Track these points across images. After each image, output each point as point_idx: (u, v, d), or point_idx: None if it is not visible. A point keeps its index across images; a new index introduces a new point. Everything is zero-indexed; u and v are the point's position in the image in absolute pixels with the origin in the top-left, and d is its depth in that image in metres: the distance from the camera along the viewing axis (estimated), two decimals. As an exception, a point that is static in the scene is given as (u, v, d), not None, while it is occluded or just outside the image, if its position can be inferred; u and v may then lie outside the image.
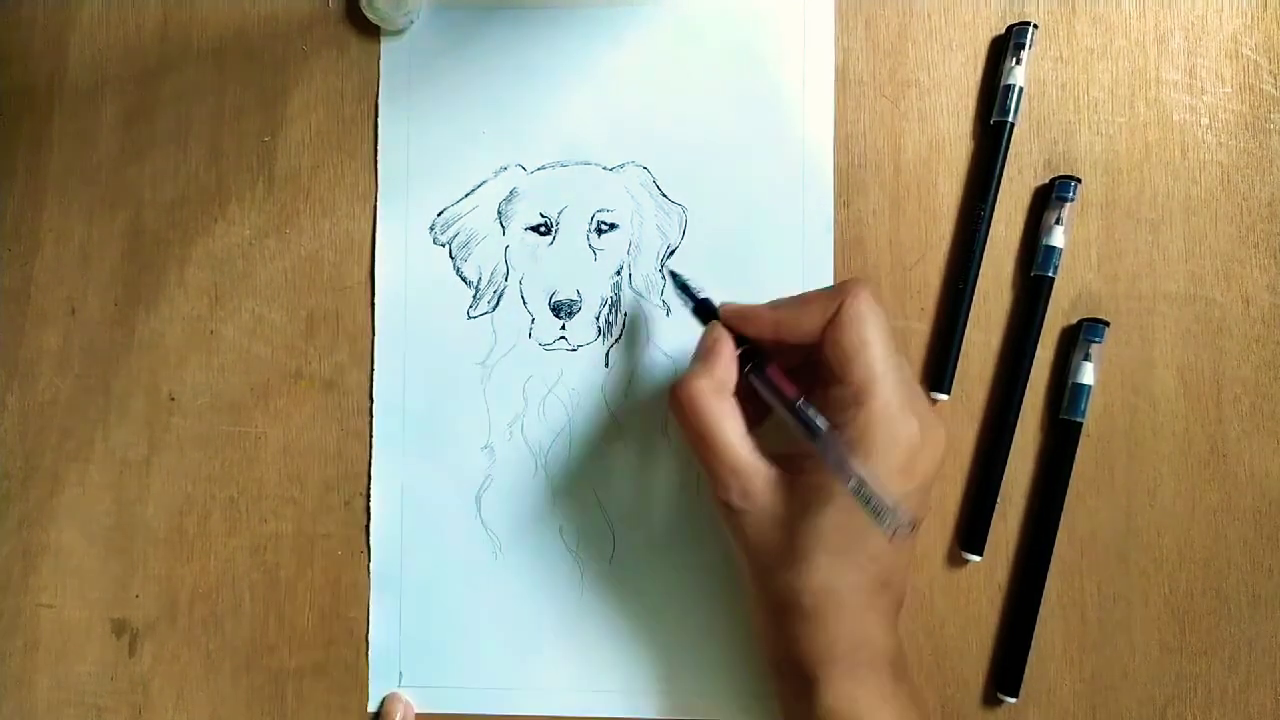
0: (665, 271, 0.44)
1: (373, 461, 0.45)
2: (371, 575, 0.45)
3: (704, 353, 0.39)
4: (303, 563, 0.45)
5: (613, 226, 0.45)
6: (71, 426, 0.46)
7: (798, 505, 0.37)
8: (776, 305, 0.39)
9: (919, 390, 0.38)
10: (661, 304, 0.45)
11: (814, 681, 0.36)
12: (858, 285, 0.37)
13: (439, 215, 0.45)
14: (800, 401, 0.36)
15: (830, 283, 0.44)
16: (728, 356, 0.38)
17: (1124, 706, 0.43)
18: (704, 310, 0.41)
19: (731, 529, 0.38)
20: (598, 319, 0.45)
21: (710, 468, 0.38)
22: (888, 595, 0.37)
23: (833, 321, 0.37)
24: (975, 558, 0.43)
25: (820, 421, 0.36)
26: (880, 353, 0.36)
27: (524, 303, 0.45)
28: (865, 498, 0.33)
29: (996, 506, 0.43)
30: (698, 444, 0.38)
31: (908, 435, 0.36)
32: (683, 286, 0.41)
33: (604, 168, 0.45)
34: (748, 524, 0.37)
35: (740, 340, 0.39)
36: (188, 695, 0.45)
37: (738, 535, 0.38)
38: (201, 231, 0.46)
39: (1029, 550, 0.43)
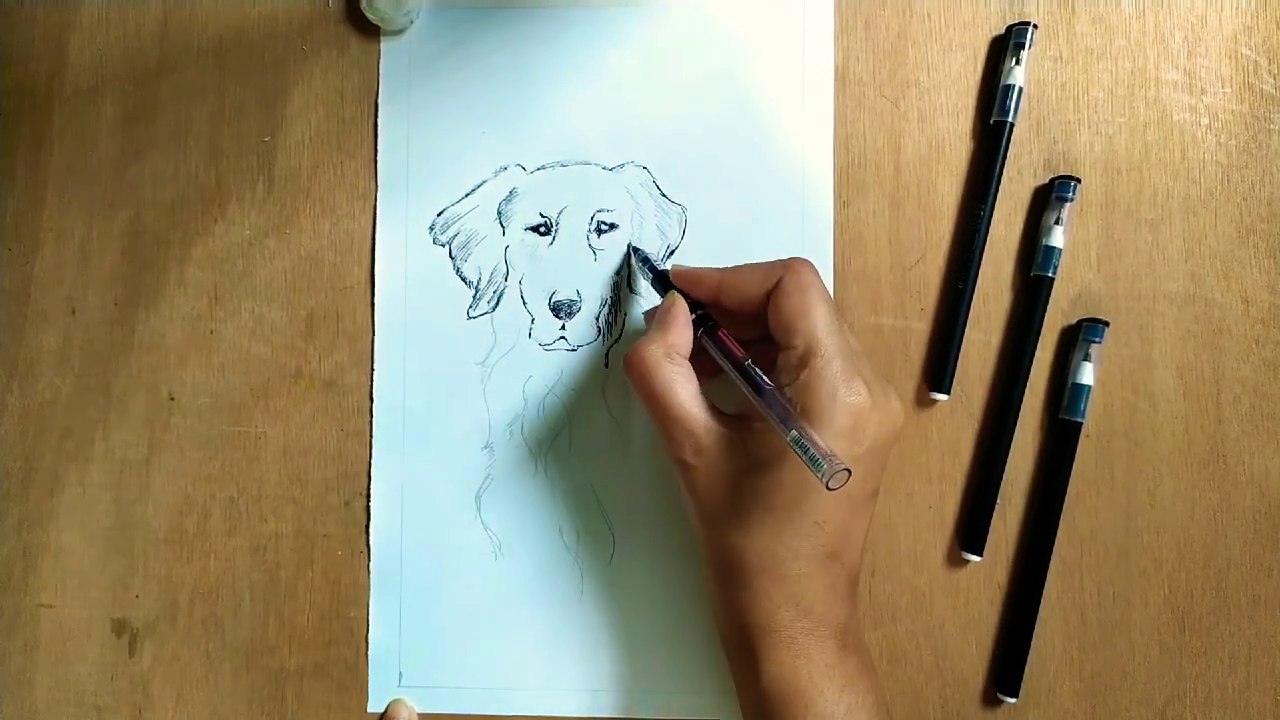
0: (629, 247, 0.45)
1: (373, 461, 0.45)
2: (371, 575, 0.45)
3: (659, 318, 0.40)
4: (303, 563, 0.45)
5: (613, 226, 0.45)
6: (71, 426, 0.46)
7: (746, 462, 0.37)
8: (724, 269, 0.40)
9: (868, 365, 0.38)
10: (661, 304, 0.45)
11: (756, 651, 0.37)
12: (799, 260, 0.39)
13: (439, 215, 0.45)
14: (748, 362, 0.37)
15: (831, 283, 0.44)
16: (682, 321, 0.40)
17: (1124, 706, 0.43)
18: (664, 281, 0.42)
19: (686, 487, 0.39)
20: (598, 319, 0.45)
21: (664, 426, 0.39)
22: (836, 566, 0.37)
23: (776, 288, 0.38)
24: (975, 558, 0.43)
25: (764, 379, 0.37)
26: (823, 320, 0.37)
27: (524, 303, 0.45)
28: (803, 447, 0.34)
29: (996, 506, 0.43)
30: (652, 405, 0.39)
31: (853, 399, 0.36)
32: (644, 260, 0.43)
33: (604, 168, 0.45)
34: (699, 480, 0.38)
35: (696, 307, 0.40)
36: (188, 695, 0.45)
37: (690, 492, 0.39)
38: (201, 231, 0.46)
39: (1029, 550, 0.43)
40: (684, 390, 0.38)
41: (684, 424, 0.38)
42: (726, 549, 0.38)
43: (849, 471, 0.33)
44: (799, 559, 0.37)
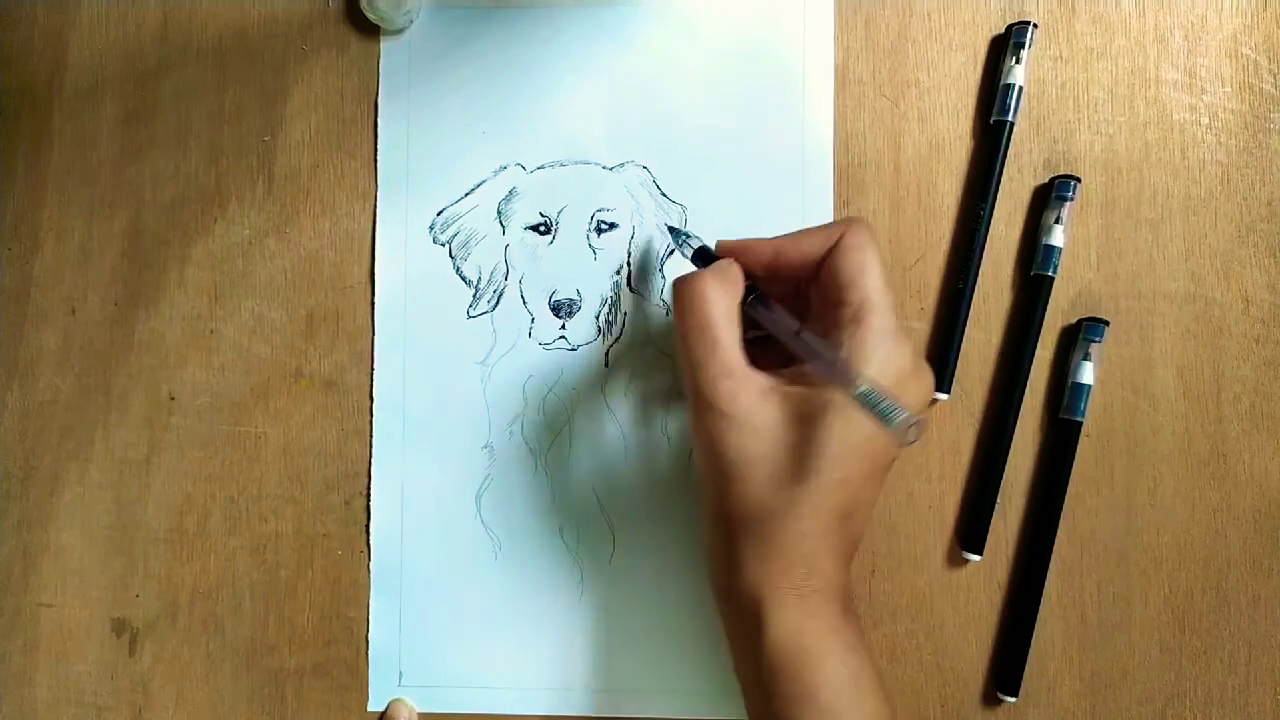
0: (662, 226, 0.44)
1: (373, 461, 0.45)
2: (371, 575, 0.45)
3: (715, 268, 0.39)
4: (303, 562, 0.45)
5: (612, 226, 0.45)
6: (71, 426, 0.46)
7: (783, 417, 0.37)
8: (774, 237, 0.39)
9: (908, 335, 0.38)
10: (662, 303, 0.45)
11: (762, 608, 0.36)
12: (859, 220, 0.38)
13: (439, 214, 0.45)
14: (802, 328, 0.37)
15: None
16: (737, 276, 0.39)
17: (1124, 706, 0.43)
18: (704, 256, 0.41)
19: (711, 434, 0.37)
20: (598, 319, 0.45)
21: (705, 365, 0.37)
22: (846, 530, 0.37)
23: (835, 247, 0.38)
24: (975, 557, 0.43)
25: (821, 345, 0.36)
26: (881, 279, 0.37)
27: (524, 302, 0.45)
28: (874, 401, 0.33)
29: (996, 506, 0.43)
30: (698, 338, 0.37)
31: (901, 359, 0.36)
32: (683, 237, 0.42)
33: (604, 167, 0.45)
34: (729, 428, 0.37)
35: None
36: (188, 695, 0.45)
37: (717, 442, 0.37)
38: (201, 231, 0.46)
39: (1029, 550, 0.43)
40: (732, 332, 0.37)
41: (726, 365, 0.37)
42: (746, 501, 0.37)
43: (923, 424, 0.32)
44: (819, 515, 0.36)
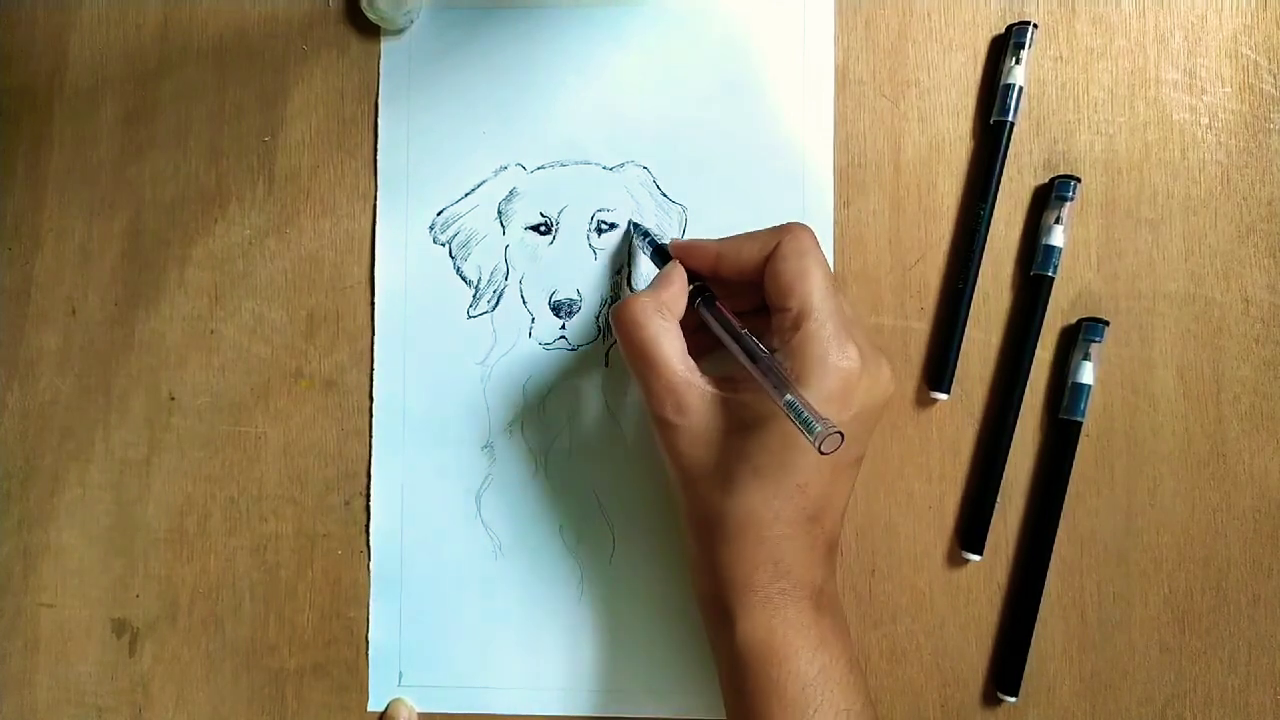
0: (629, 223, 0.45)
1: (373, 461, 0.45)
2: (371, 575, 0.45)
3: (656, 280, 0.40)
4: (303, 563, 0.45)
5: (612, 226, 0.45)
6: (71, 426, 0.46)
7: (730, 423, 0.37)
8: (717, 241, 0.40)
9: (864, 333, 0.38)
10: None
11: (732, 609, 0.37)
12: (796, 226, 0.39)
13: (439, 215, 0.45)
14: (744, 331, 0.38)
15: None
16: (678, 285, 0.40)
17: (1123, 706, 0.43)
18: (663, 255, 0.42)
19: (666, 446, 0.39)
20: (598, 319, 0.45)
21: (647, 382, 0.38)
22: (817, 530, 0.38)
23: (774, 253, 0.38)
24: (975, 557, 0.43)
25: (761, 348, 0.37)
26: (819, 284, 0.37)
27: (524, 302, 0.45)
28: (796, 410, 0.33)
29: (996, 506, 0.43)
30: (637, 359, 0.38)
31: (844, 363, 0.36)
32: (644, 234, 0.43)
33: (604, 167, 0.45)
34: (680, 439, 0.38)
35: (694, 279, 0.40)
36: (188, 695, 0.45)
37: (671, 452, 0.39)
38: (201, 231, 0.46)
39: (1029, 550, 0.43)
40: (670, 346, 0.38)
41: (668, 380, 0.38)
42: (708, 509, 0.38)
43: (842, 435, 0.32)
44: (780, 521, 0.37)
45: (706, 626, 0.40)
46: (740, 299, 0.41)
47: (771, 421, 0.36)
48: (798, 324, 0.37)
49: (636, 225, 0.44)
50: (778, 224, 0.40)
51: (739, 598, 0.37)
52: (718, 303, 0.39)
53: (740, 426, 0.37)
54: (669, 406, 0.38)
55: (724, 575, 0.38)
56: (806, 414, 0.33)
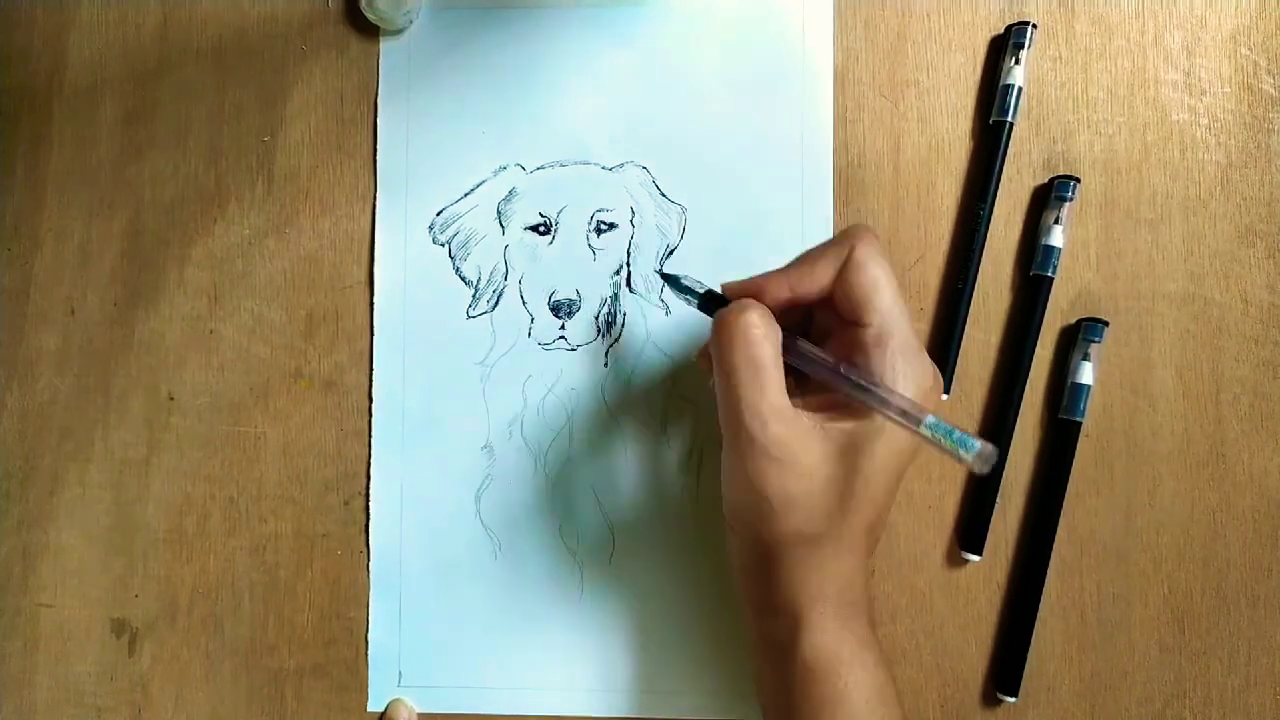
0: (659, 274, 0.44)
1: (372, 461, 0.45)
2: (371, 575, 0.45)
3: (753, 305, 0.37)
4: (303, 563, 0.45)
5: (612, 226, 0.45)
6: (71, 426, 0.46)
7: (829, 455, 0.36)
8: (784, 270, 0.38)
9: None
10: (661, 304, 0.45)
11: (800, 620, 0.37)
12: (862, 230, 0.37)
13: (438, 215, 0.45)
14: (843, 366, 0.36)
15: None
16: (771, 315, 0.37)
17: (1123, 706, 0.43)
18: (712, 301, 0.39)
19: (752, 473, 0.36)
20: (597, 319, 0.45)
21: (755, 408, 0.36)
22: (871, 540, 0.38)
23: (845, 267, 0.37)
24: (975, 558, 0.43)
25: (868, 381, 0.36)
26: (893, 292, 0.37)
27: (523, 302, 0.45)
28: (944, 434, 0.33)
29: (996, 506, 0.43)
30: (750, 378, 0.36)
31: (924, 374, 0.36)
32: (682, 286, 0.40)
33: (603, 167, 0.45)
34: (773, 470, 0.36)
35: None
36: (188, 695, 0.45)
37: (759, 479, 0.36)
38: (201, 231, 0.46)
39: (1029, 550, 0.43)
40: (779, 373, 0.36)
41: (776, 408, 0.36)
42: (787, 533, 0.37)
43: (995, 449, 0.32)
44: (855, 533, 0.37)
45: (758, 634, 0.39)
46: (783, 318, 0.38)
47: (867, 448, 0.36)
48: (881, 340, 0.36)
49: (669, 276, 0.41)
50: (838, 234, 0.38)
51: (810, 606, 0.37)
52: (800, 341, 0.37)
53: (835, 456, 0.36)
54: (772, 437, 0.36)
55: (795, 586, 0.37)
56: (956, 435, 0.32)
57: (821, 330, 0.40)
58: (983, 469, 0.33)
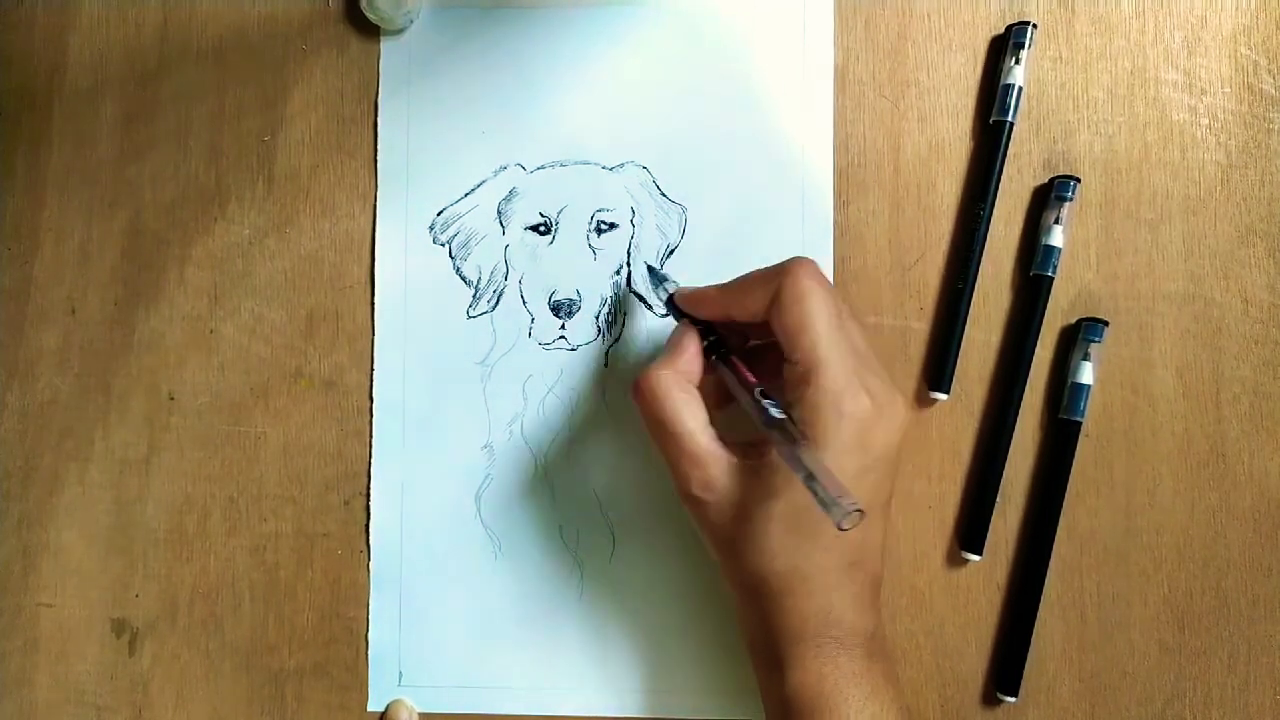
0: (646, 265, 0.45)
1: (372, 461, 0.45)
2: (371, 575, 0.45)
3: (669, 345, 0.40)
4: (303, 563, 0.45)
5: (612, 226, 0.45)
6: (71, 426, 0.46)
7: (759, 491, 0.37)
8: (725, 287, 0.39)
9: (873, 363, 0.38)
10: (661, 304, 0.45)
11: (783, 658, 0.37)
12: (796, 264, 0.37)
13: (439, 215, 0.45)
14: (758, 389, 0.37)
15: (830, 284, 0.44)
16: (692, 349, 0.39)
17: (1123, 706, 0.43)
18: (672, 307, 0.42)
19: (696, 519, 0.39)
20: (597, 319, 0.45)
21: (671, 458, 0.38)
22: (860, 574, 0.37)
23: (774, 302, 0.37)
24: (975, 557, 0.43)
25: (775, 410, 0.36)
26: (823, 329, 0.36)
27: (524, 302, 0.45)
28: (815, 489, 0.33)
29: (996, 506, 0.43)
30: (659, 433, 0.38)
31: (859, 410, 0.36)
32: (660, 280, 0.43)
33: (604, 167, 0.45)
34: (710, 513, 0.38)
35: (708, 331, 0.40)
36: (188, 695, 0.45)
37: (703, 525, 0.38)
38: (201, 231, 0.46)
39: (1028, 550, 0.43)
40: (692, 419, 0.37)
41: (692, 455, 0.37)
42: (749, 573, 0.37)
43: (862, 512, 0.32)
44: (824, 572, 0.36)
45: (756, 673, 0.39)
46: (762, 330, 0.39)
47: (798, 480, 0.35)
48: (805, 379, 0.36)
49: (653, 270, 0.44)
50: (778, 263, 0.38)
51: (790, 648, 0.37)
52: (731, 358, 0.38)
53: (769, 491, 0.36)
54: (695, 483, 0.37)
55: (774, 627, 0.37)
56: (822, 493, 0.32)
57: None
58: (846, 528, 0.32)
